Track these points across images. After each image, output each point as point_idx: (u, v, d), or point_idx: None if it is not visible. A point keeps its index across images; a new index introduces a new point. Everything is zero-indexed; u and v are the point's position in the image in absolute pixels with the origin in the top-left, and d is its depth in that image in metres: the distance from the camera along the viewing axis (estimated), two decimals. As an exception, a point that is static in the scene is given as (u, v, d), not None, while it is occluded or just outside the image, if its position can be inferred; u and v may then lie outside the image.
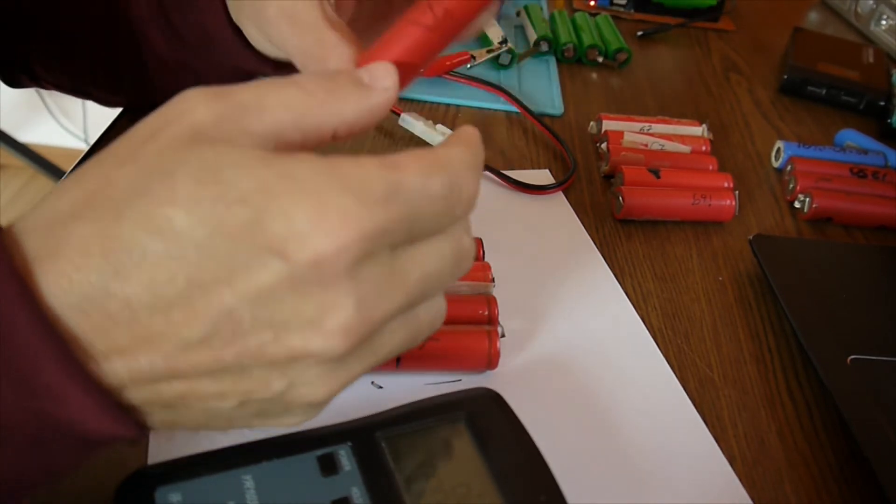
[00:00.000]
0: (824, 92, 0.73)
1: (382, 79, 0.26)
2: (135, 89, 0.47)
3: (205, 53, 0.43)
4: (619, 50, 0.73)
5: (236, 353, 0.23)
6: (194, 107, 0.24)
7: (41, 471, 0.24)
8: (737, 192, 0.54)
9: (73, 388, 0.22)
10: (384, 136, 0.58)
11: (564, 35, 0.73)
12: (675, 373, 0.42)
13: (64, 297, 0.22)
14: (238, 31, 0.41)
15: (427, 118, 0.57)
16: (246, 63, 0.42)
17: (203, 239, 0.22)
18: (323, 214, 0.22)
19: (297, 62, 0.33)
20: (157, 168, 0.23)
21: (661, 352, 0.43)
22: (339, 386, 0.25)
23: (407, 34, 0.28)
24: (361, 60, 0.29)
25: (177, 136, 0.23)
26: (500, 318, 0.40)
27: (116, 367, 0.23)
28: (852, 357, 0.42)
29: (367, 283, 0.23)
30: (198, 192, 0.22)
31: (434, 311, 0.27)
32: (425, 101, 0.63)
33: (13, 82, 0.50)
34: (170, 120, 0.24)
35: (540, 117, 0.62)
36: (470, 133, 0.26)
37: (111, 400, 0.23)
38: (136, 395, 0.24)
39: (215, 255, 0.22)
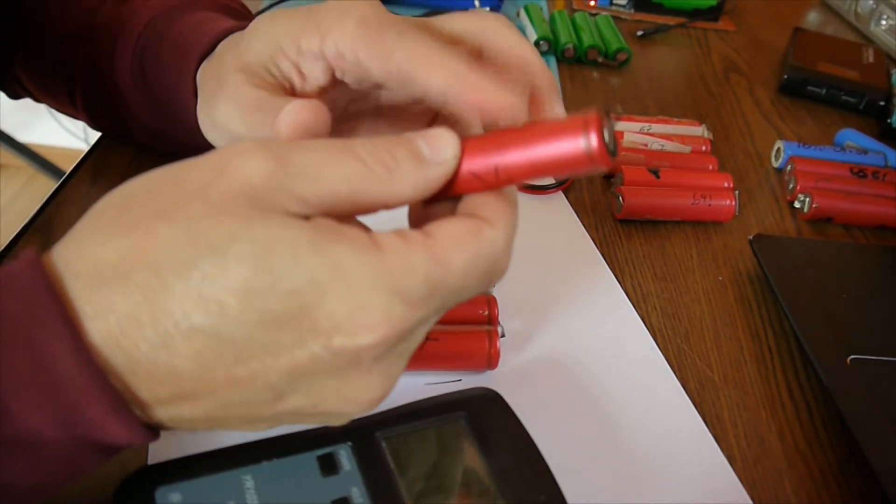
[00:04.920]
0: (824, 92, 0.73)
1: (442, 151, 0.25)
2: (115, 130, 0.48)
3: (181, 126, 0.42)
4: (619, 50, 0.73)
5: (274, 413, 0.25)
6: (248, 164, 0.23)
7: (65, 479, 0.25)
8: (737, 191, 0.54)
9: (113, 422, 0.23)
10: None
11: (564, 35, 0.73)
12: (675, 373, 0.42)
13: (112, 357, 0.23)
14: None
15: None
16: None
17: (252, 323, 0.23)
18: (367, 313, 0.23)
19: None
20: (206, 239, 0.22)
21: (661, 352, 0.43)
22: (358, 415, 0.27)
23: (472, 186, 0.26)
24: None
25: (227, 196, 0.23)
26: (500, 318, 0.40)
27: (158, 413, 0.24)
28: (852, 357, 0.42)
29: (394, 357, 0.25)
30: (251, 281, 0.22)
31: None
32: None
33: (12, 94, 0.51)
34: (220, 173, 0.23)
35: (540, 117, 0.62)
36: (512, 206, 0.26)
37: (146, 424, 0.25)
38: (173, 426, 0.25)
39: (262, 339, 0.23)
